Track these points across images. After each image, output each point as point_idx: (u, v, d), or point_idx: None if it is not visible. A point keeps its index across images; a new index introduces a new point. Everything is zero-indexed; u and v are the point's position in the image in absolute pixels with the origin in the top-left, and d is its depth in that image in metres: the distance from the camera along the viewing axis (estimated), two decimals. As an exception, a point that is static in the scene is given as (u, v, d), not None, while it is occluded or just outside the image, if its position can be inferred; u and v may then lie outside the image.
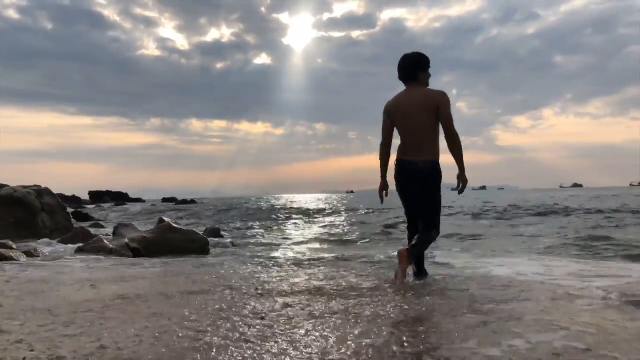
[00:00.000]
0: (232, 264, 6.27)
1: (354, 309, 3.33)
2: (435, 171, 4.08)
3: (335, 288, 4.21)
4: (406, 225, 4.47)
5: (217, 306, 3.42)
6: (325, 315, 3.16)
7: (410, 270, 4.21)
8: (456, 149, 4.03)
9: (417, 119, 3.99)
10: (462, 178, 4.06)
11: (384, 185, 4.39)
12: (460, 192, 4.17)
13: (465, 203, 31.12)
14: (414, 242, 4.09)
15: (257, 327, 2.88)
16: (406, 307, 3.39)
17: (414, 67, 4.10)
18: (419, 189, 4.09)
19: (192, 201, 67.70)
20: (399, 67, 4.18)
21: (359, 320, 3.00)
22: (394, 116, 4.14)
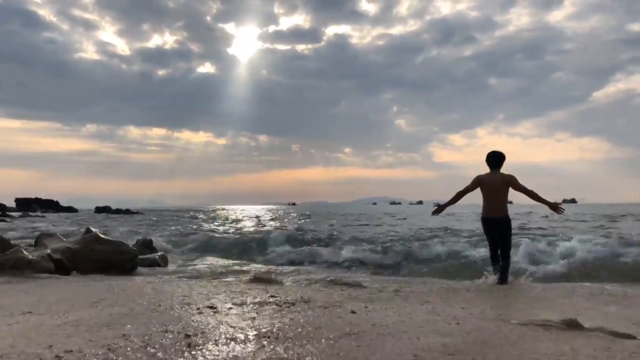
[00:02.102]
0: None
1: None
2: (508, 221, 6.57)
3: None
4: (489, 254, 6.86)
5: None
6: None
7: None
8: (533, 195, 6.44)
9: (500, 190, 6.52)
10: (552, 205, 6.45)
11: (441, 208, 6.91)
12: (561, 211, 6.48)
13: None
14: (500, 273, 6.48)
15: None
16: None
17: (501, 162, 6.64)
18: (499, 233, 6.56)
19: (127, 211, 65.30)
20: (491, 159, 6.64)
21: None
22: (483, 186, 6.59)
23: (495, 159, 6.65)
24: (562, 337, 3.18)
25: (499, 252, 6.63)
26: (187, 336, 3.02)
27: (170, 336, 3.01)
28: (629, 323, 3.88)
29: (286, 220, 36.30)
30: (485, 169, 6.72)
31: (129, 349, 2.69)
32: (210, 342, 2.89)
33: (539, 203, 6.51)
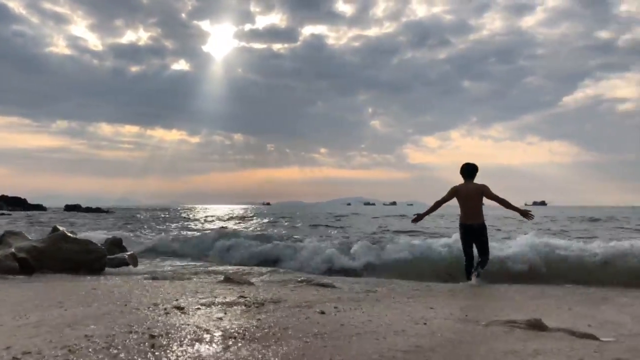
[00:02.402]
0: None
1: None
2: (484, 227, 7.17)
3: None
4: (464, 259, 7.32)
5: None
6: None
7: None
8: (507, 204, 6.99)
9: (474, 199, 7.10)
10: (522, 211, 6.93)
11: (421, 217, 7.39)
12: (531, 217, 6.93)
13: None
14: (479, 268, 7.06)
15: (136, 344, 2.77)
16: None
17: (474, 173, 7.25)
18: (476, 238, 7.15)
19: (98, 209, 64.04)
20: (466, 170, 7.26)
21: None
22: (459, 196, 7.16)
23: (469, 170, 7.32)
24: (527, 337, 3.24)
25: (473, 260, 7.20)
26: (152, 337, 2.97)
27: (135, 337, 2.96)
28: (592, 323, 3.97)
29: (259, 219, 36.12)
30: (459, 177, 7.27)
31: (90, 349, 2.64)
32: (175, 343, 2.85)
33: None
